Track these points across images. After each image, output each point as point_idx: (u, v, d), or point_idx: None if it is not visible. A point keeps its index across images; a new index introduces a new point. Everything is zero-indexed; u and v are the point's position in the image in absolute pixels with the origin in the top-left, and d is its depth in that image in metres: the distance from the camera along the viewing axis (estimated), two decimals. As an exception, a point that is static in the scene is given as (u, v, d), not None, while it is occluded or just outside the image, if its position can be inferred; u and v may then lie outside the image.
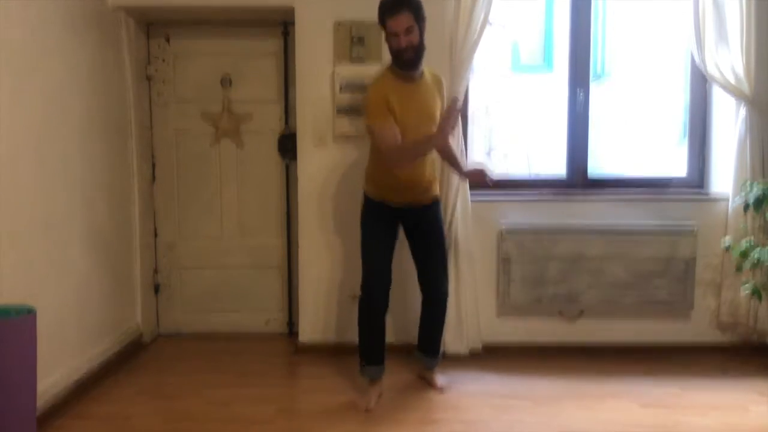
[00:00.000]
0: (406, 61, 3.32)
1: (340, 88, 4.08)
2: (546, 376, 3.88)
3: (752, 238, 3.87)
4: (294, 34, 4.15)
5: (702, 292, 4.19)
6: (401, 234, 3.63)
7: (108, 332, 3.96)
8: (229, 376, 3.89)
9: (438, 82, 3.56)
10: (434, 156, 3.57)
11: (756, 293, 3.81)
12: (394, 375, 3.75)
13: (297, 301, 4.35)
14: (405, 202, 3.49)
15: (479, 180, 3.52)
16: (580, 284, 4.11)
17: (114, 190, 4.06)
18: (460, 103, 3.35)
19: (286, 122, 4.49)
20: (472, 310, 4.14)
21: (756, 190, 3.80)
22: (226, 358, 4.19)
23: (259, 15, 4.28)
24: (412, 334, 3.86)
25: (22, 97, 3.11)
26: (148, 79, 4.48)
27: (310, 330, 4.27)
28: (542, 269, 4.11)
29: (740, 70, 3.99)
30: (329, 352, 4.19)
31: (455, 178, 3.99)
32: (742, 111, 4.03)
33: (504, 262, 4.14)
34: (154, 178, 4.56)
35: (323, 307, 4.25)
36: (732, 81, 4.00)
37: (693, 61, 4.20)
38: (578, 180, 4.38)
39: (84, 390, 3.58)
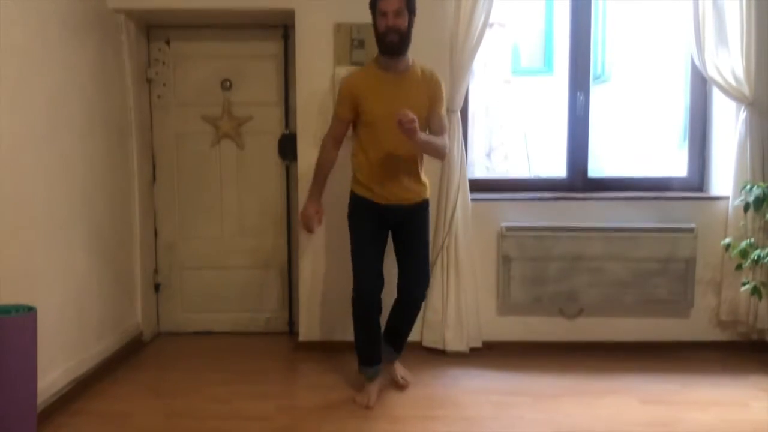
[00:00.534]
0: (389, 43, 3.30)
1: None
2: (546, 373, 3.88)
3: (752, 238, 3.87)
4: (294, 36, 4.17)
5: (702, 291, 4.19)
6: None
7: (108, 331, 3.97)
8: (228, 373, 3.90)
9: (431, 81, 3.45)
10: (415, 156, 3.45)
11: (756, 292, 3.81)
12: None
13: (297, 299, 4.37)
14: (389, 199, 3.43)
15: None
16: (580, 283, 4.11)
17: (114, 191, 4.08)
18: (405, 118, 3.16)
19: (287, 124, 4.51)
20: (473, 308, 4.15)
21: (756, 191, 3.80)
22: (225, 356, 4.20)
23: (259, 18, 4.30)
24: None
25: (22, 98, 3.13)
26: (149, 81, 4.51)
27: (309, 328, 4.28)
28: (542, 268, 4.12)
29: (740, 73, 4.00)
30: (329, 350, 4.20)
31: (455, 179, 4.00)
32: (743, 113, 4.03)
33: (504, 261, 4.15)
34: (154, 178, 4.58)
35: (323, 306, 4.26)
36: (732, 83, 4.01)
37: (693, 63, 4.21)
38: (578, 180, 4.39)
39: (84, 387, 3.59)
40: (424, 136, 3.30)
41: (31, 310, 2.86)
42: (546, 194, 4.29)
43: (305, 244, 4.24)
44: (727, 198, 4.13)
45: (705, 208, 4.20)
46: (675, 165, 4.62)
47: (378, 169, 3.41)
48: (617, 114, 5.95)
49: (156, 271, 4.62)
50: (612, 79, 6.16)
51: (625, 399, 3.50)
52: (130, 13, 4.17)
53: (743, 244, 3.84)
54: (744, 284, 3.86)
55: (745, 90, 3.99)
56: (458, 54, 3.96)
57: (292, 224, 4.49)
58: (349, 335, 4.13)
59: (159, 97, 4.54)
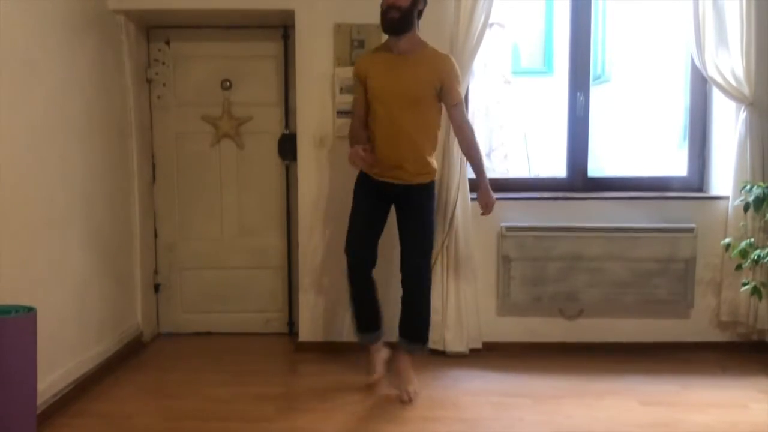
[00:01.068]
0: (390, 20, 3.36)
1: (341, 90, 4.10)
2: (546, 374, 3.88)
3: (752, 238, 3.87)
4: (294, 37, 4.17)
5: (702, 291, 4.19)
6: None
7: (108, 331, 3.97)
8: (229, 374, 3.89)
9: (438, 60, 3.46)
10: (422, 136, 3.50)
11: (756, 292, 3.81)
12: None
13: (297, 300, 4.36)
14: (383, 176, 3.52)
15: (484, 201, 3.59)
16: (580, 283, 4.11)
17: (114, 191, 4.07)
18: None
19: (287, 124, 4.51)
20: (473, 309, 4.15)
21: (756, 191, 3.80)
22: (226, 357, 4.20)
23: (259, 18, 4.30)
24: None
25: (22, 98, 3.12)
26: (149, 82, 4.50)
27: (309, 329, 4.28)
28: (542, 268, 4.12)
29: (740, 73, 3.99)
30: (329, 351, 4.21)
31: (455, 179, 4.01)
32: (743, 113, 4.03)
33: (504, 261, 4.15)
34: (154, 178, 4.58)
35: (323, 307, 4.26)
36: (732, 83, 4.01)
37: (693, 63, 4.21)
38: (578, 180, 4.39)
39: (84, 388, 3.59)
40: (480, 173, 3.60)
41: (31, 310, 2.85)
42: (546, 194, 4.29)
43: (305, 244, 4.24)
44: (727, 198, 4.12)
45: (705, 208, 4.20)
46: (675, 165, 4.62)
47: (379, 144, 3.48)
48: (617, 114, 5.96)
49: (156, 271, 4.62)
50: (612, 79, 6.16)
51: (624, 400, 3.50)
52: (129, 14, 4.16)
53: (743, 244, 3.84)
54: (744, 284, 3.86)
55: (745, 90, 3.99)
56: (458, 54, 3.95)
57: (292, 224, 4.48)
58: (348, 336, 4.19)
59: (159, 97, 4.54)
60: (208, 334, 4.61)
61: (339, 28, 4.10)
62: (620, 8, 5.81)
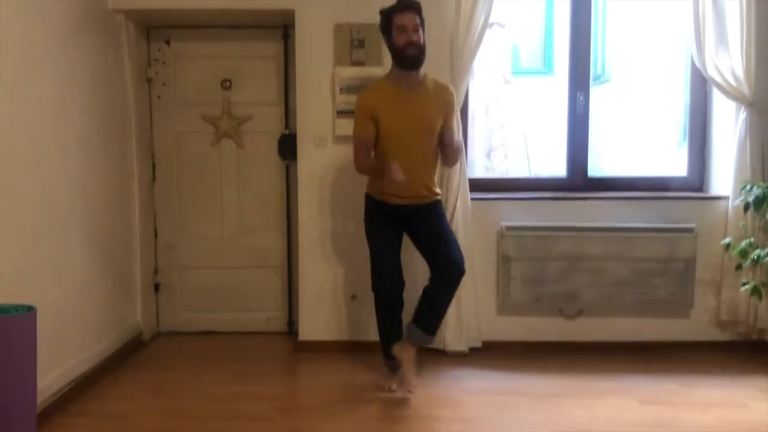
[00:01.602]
0: (409, 57, 3.39)
1: (341, 90, 4.10)
2: (546, 373, 3.88)
3: (752, 238, 3.87)
4: (294, 37, 4.17)
5: (702, 291, 4.19)
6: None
7: (108, 331, 3.97)
8: (229, 374, 3.90)
9: (443, 92, 3.54)
10: (432, 160, 3.57)
11: (756, 292, 3.81)
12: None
13: (297, 300, 4.37)
14: (402, 200, 3.51)
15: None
16: (580, 283, 4.11)
17: (114, 191, 4.08)
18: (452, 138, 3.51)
19: (287, 124, 4.51)
20: (473, 308, 4.15)
21: (756, 190, 3.80)
22: (226, 356, 4.20)
23: (259, 18, 4.30)
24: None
25: (22, 99, 3.13)
26: (149, 81, 4.51)
27: (309, 328, 4.29)
28: (542, 268, 4.12)
29: (740, 73, 3.99)
30: (329, 350, 4.22)
31: (455, 178, 4.01)
32: (742, 113, 4.03)
33: (504, 261, 4.15)
34: (154, 178, 4.58)
35: (323, 306, 4.27)
36: (732, 83, 4.01)
37: (693, 63, 4.21)
38: (578, 180, 4.39)
39: (84, 387, 3.59)
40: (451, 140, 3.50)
41: (31, 310, 2.86)
42: (546, 194, 4.29)
43: (305, 244, 4.24)
44: (727, 198, 4.13)
45: (705, 208, 4.20)
46: (675, 165, 4.62)
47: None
48: (617, 114, 5.95)
49: (156, 271, 4.62)
50: (612, 79, 6.16)
51: (624, 399, 3.50)
52: (130, 14, 4.17)
53: (743, 244, 3.85)
54: (744, 284, 3.86)
55: (745, 90, 3.99)
56: (458, 54, 3.96)
57: (292, 224, 4.49)
58: (348, 335, 4.24)
59: (159, 97, 4.54)
60: (208, 333, 4.62)
61: (339, 28, 4.11)
62: (620, 8, 5.81)
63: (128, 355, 4.14)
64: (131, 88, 4.27)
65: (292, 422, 3.30)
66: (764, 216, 3.89)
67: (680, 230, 4.11)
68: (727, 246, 3.99)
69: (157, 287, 4.63)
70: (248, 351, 4.31)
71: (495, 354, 4.12)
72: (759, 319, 4.04)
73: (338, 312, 4.26)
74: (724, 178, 4.19)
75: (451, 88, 3.60)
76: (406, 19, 3.37)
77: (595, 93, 4.63)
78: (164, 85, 4.53)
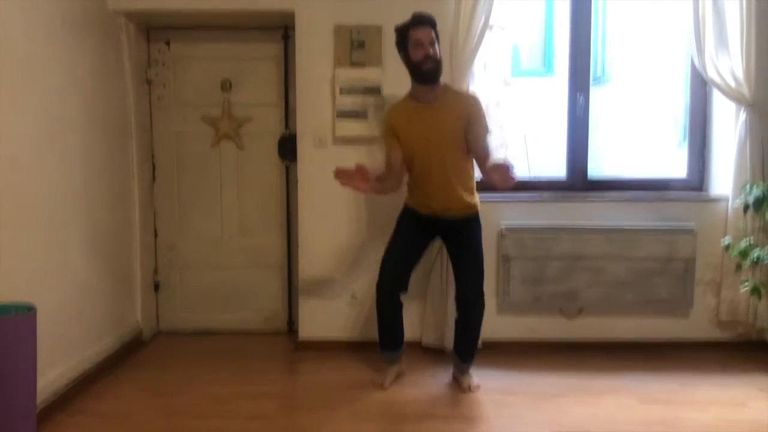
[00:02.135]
0: (427, 71, 3.42)
1: (341, 91, 4.11)
2: (546, 372, 3.88)
3: (752, 238, 3.87)
4: (294, 38, 4.18)
5: (702, 291, 4.19)
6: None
7: (108, 330, 3.98)
8: (228, 373, 3.90)
9: (462, 100, 3.53)
10: (466, 173, 3.57)
11: (755, 292, 3.81)
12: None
13: (297, 299, 4.37)
14: (431, 212, 3.58)
15: (503, 176, 3.14)
16: (580, 282, 4.12)
17: (114, 191, 4.09)
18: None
19: (286, 125, 4.52)
20: (472, 308, 4.14)
21: (756, 191, 3.81)
22: (225, 356, 4.21)
23: (259, 19, 4.31)
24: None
25: (22, 99, 3.14)
26: (149, 82, 4.52)
27: (309, 328, 4.29)
28: (542, 268, 4.12)
29: (740, 74, 4.00)
30: (328, 350, 4.22)
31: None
32: (742, 114, 4.03)
33: (504, 261, 4.15)
34: (154, 178, 4.59)
35: (323, 306, 4.27)
36: (732, 85, 4.01)
37: (693, 64, 4.21)
38: (578, 181, 4.39)
39: (84, 386, 3.60)
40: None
41: (31, 310, 2.87)
42: (546, 194, 4.29)
43: (305, 244, 4.25)
44: (726, 198, 4.13)
45: (705, 208, 4.20)
46: (675, 165, 4.62)
47: (421, 186, 3.58)
48: (617, 115, 5.95)
49: (156, 270, 4.63)
50: (612, 80, 6.16)
51: (624, 398, 3.50)
52: (130, 15, 4.18)
53: (743, 244, 3.85)
54: (744, 284, 3.86)
55: (745, 91, 4.00)
56: (458, 55, 3.97)
57: (292, 224, 4.49)
58: (348, 334, 4.26)
59: (159, 97, 4.55)
60: (208, 333, 4.62)
61: (339, 29, 4.11)
62: (620, 9, 5.81)
63: (128, 355, 4.15)
64: (131, 89, 4.28)
65: (291, 421, 3.30)
66: (764, 216, 3.89)
67: (680, 230, 4.11)
68: (727, 246, 3.99)
69: (157, 287, 4.64)
70: (248, 350, 4.31)
71: (495, 353, 4.12)
72: (759, 319, 4.05)
73: (338, 311, 4.27)
74: (724, 178, 4.19)
75: (474, 96, 3.61)
76: (421, 33, 3.41)
77: (595, 94, 4.63)
78: (164, 86, 4.54)
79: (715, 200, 4.20)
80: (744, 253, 3.83)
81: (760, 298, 3.83)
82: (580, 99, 4.35)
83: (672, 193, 4.31)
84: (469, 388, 3.64)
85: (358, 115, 4.12)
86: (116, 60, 4.15)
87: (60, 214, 3.46)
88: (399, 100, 3.66)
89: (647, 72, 5.82)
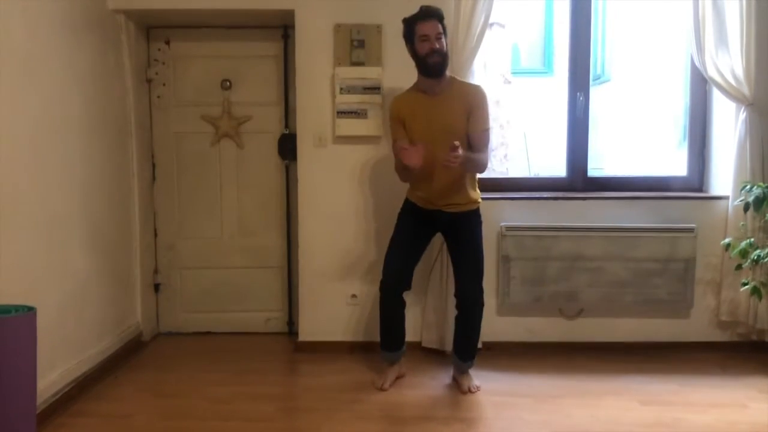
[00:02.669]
0: (433, 65, 3.40)
1: (341, 90, 4.10)
2: (546, 373, 3.88)
3: (752, 238, 3.87)
4: (294, 37, 4.17)
5: (702, 291, 4.19)
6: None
7: (108, 331, 3.98)
8: (229, 374, 3.90)
9: (466, 92, 3.51)
10: (464, 172, 3.53)
11: (756, 292, 3.81)
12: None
13: (297, 300, 4.37)
14: (432, 206, 3.57)
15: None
16: (580, 283, 4.11)
17: (114, 191, 4.08)
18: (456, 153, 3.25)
19: (286, 124, 4.51)
20: (472, 308, 4.14)
21: (756, 191, 3.80)
22: (226, 357, 4.20)
23: (259, 18, 4.30)
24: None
25: (22, 98, 3.13)
26: (148, 81, 4.51)
27: (309, 329, 4.28)
28: (542, 268, 4.12)
29: (740, 73, 3.99)
30: (329, 351, 4.21)
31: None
32: (742, 113, 4.02)
33: (504, 261, 4.15)
34: (154, 178, 4.58)
35: (323, 306, 4.26)
36: (732, 84, 4.00)
37: (693, 63, 4.20)
38: (578, 180, 4.38)
39: (84, 388, 3.59)
40: (463, 156, 3.23)
41: (31, 310, 2.86)
42: (546, 194, 4.28)
43: (305, 244, 4.24)
44: (727, 198, 4.12)
45: (705, 208, 4.20)
46: (675, 165, 4.62)
47: (423, 178, 3.52)
48: (617, 114, 5.96)
49: (156, 271, 4.62)
50: (612, 79, 6.16)
51: (624, 399, 3.50)
52: (130, 14, 4.17)
53: (743, 244, 3.84)
54: (744, 284, 3.86)
55: (745, 90, 3.99)
56: (458, 54, 3.96)
57: (292, 224, 4.48)
58: (348, 335, 4.24)
59: (159, 97, 4.54)
60: (208, 333, 4.62)
61: (339, 29, 4.10)
62: (620, 8, 5.81)
63: (128, 355, 4.14)
64: (131, 88, 4.27)
65: (291, 422, 3.30)
66: (764, 216, 3.88)
67: (680, 230, 4.10)
68: (727, 246, 3.98)
69: (157, 287, 4.63)
70: (248, 351, 4.31)
71: (495, 354, 4.12)
72: (759, 320, 4.04)
73: (338, 312, 4.26)
74: (724, 178, 4.18)
75: (478, 86, 3.59)
76: (428, 27, 3.40)
77: (595, 93, 4.63)
78: (164, 85, 4.53)
79: (716, 200, 4.19)
80: (744, 253, 3.82)
81: (760, 298, 3.83)
82: (580, 98, 4.35)
83: (672, 193, 4.30)
84: (469, 390, 3.64)
85: (358, 114, 4.11)
86: (116, 59, 4.14)
87: (60, 214, 3.45)
88: (402, 92, 3.65)
89: (647, 71, 5.82)
